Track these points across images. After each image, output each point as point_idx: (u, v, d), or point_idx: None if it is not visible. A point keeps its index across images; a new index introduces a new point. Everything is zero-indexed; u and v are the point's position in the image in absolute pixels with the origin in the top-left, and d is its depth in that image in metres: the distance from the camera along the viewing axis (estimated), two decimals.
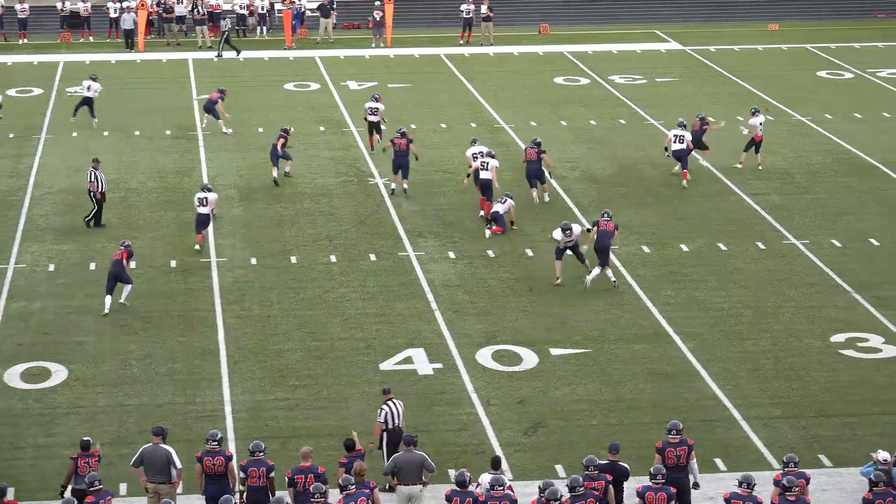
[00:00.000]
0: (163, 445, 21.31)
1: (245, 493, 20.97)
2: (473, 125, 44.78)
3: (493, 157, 35.84)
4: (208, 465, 21.02)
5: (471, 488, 20.28)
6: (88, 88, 45.18)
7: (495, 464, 21.27)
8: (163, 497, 21.08)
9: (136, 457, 21.40)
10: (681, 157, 38.86)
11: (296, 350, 28.38)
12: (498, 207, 34.81)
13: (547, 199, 37.13)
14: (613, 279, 31.39)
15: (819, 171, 40.50)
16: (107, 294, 30.14)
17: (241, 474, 20.98)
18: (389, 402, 23.00)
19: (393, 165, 37.85)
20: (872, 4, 65.39)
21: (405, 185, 37.81)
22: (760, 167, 40.33)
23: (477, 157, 36.14)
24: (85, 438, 21.62)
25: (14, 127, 44.95)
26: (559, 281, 31.52)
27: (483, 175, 35.64)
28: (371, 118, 41.75)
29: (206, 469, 21.04)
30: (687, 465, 21.33)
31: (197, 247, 33.71)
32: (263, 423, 25.26)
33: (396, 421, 22.91)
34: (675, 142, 38.88)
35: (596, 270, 31.20)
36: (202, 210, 33.82)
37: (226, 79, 52.15)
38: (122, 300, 30.25)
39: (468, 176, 36.65)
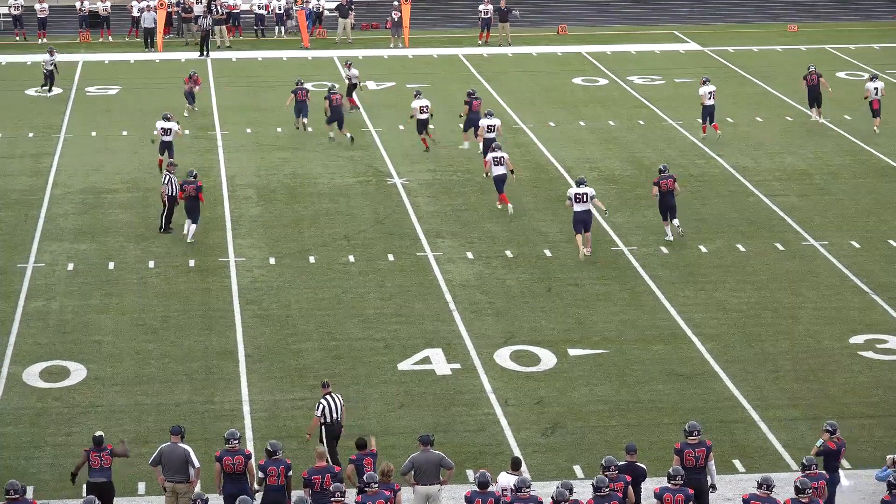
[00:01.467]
0: (181, 444, 21.36)
1: (263, 493, 21.00)
2: None
3: (500, 148, 36.47)
4: (228, 464, 21.04)
5: (490, 488, 20.27)
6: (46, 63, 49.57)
7: (515, 465, 21.22)
8: (181, 496, 21.14)
9: (154, 455, 21.46)
10: (712, 111, 42.61)
11: (314, 350, 28.40)
12: (499, 170, 35.86)
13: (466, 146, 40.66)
14: (679, 227, 34.13)
15: (838, 172, 40.40)
16: (189, 224, 33.81)
17: (260, 474, 21.01)
18: (327, 397, 22.99)
19: (328, 119, 42.64)
20: (892, 5, 65.22)
21: (348, 134, 42.59)
22: (876, 129, 43.49)
23: (491, 129, 38.83)
24: (97, 434, 21.64)
25: (34, 126, 45.10)
26: (585, 252, 32.73)
27: (497, 171, 36.08)
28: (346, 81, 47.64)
29: (226, 468, 21.06)
30: (706, 466, 21.30)
31: (162, 171, 37.39)
32: (282, 422, 25.28)
33: (335, 415, 22.95)
34: (707, 98, 42.29)
35: (673, 223, 33.75)
36: (166, 138, 39.01)
37: (244, 78, 52.30)
38: (188, 238, 33.87)
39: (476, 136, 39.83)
